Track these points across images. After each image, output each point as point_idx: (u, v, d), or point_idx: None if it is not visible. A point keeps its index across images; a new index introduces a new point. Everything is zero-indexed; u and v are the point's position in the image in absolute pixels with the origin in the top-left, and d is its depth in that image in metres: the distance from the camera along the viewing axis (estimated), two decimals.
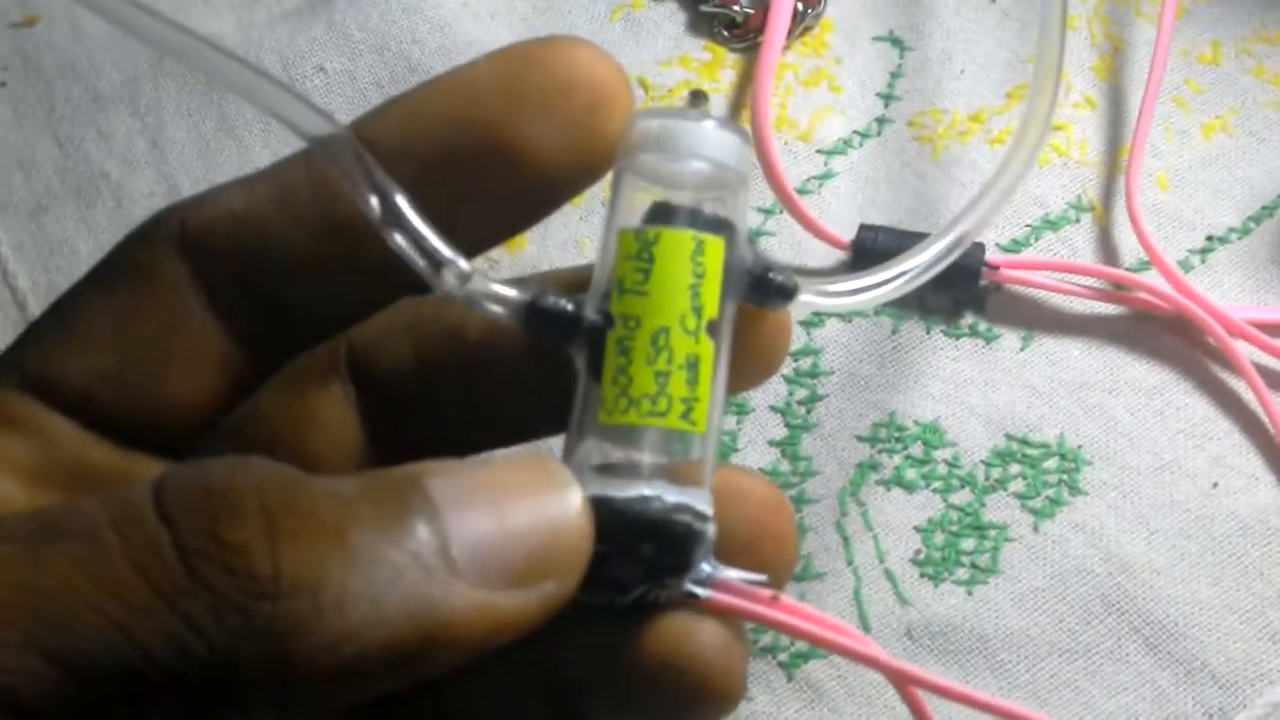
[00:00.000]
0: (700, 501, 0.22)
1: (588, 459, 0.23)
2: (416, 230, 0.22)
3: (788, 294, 0.24)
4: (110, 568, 0.18)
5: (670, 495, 0.22)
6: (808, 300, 0.25)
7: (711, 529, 0.23)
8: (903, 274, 0.26)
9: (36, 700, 0.17)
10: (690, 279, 0.22)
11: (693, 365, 0.22)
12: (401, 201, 0.22)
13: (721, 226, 0.23)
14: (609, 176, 0.24)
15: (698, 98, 0.24)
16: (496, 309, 0.23)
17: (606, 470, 0.23)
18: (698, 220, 0.23)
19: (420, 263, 0.22)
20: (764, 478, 0.25)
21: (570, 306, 0.23)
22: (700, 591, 0.22)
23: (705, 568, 0.22)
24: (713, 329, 0.23)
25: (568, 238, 0.44)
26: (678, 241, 0.22)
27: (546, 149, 0.23)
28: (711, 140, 0.23)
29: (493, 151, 0.23)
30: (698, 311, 0.22)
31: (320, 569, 0.18)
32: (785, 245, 0.44)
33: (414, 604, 0.19)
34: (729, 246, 0.23)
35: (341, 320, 0.25)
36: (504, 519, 0.20)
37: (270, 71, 0.47)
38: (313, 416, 0.24)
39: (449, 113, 0.23)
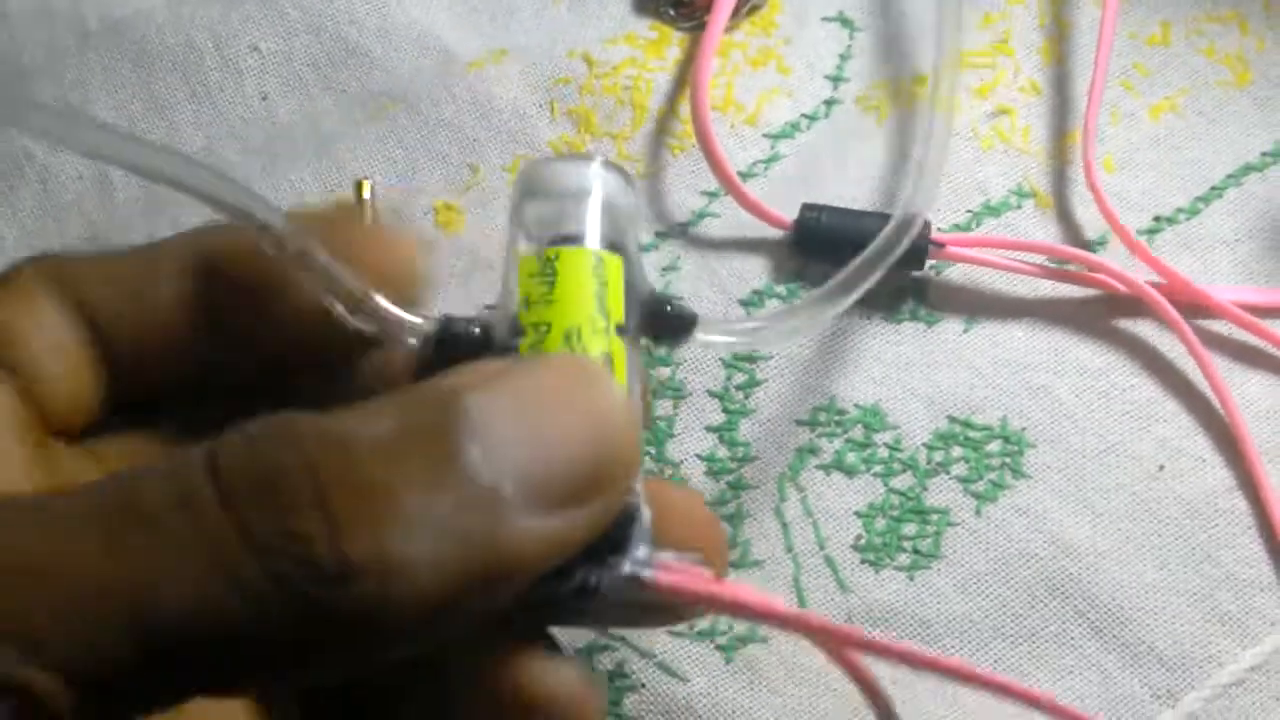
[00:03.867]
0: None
1: None
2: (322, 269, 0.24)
3: (685, 326, 0.25)
4: (184, 554, 0.18)
5: None
6: (707, 340, 0.26)
7: (646, 510, 0.22)
8: (813, 311, 0.28)
9: (121, 681, 0.18)
10: (594, 286, 0.23)
11: (607, 361, 0.23)
12: (312, 244, 0.24)
13: (617, 249, 0.24)
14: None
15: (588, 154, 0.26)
16: (410, 339, 0.24)
17: None
18: (573, 240, 0.24)
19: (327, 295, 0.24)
20: (698, 495, 0.26)
21: (477, 330, 0.24)
22: (644, 573, 0.22)
23: (643, 549, 0.22)
24: (622, 332, 0.23)
25: (505, 221, 0.43)
26: (579, 255, 0.24)
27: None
28: (596, 178, 0.25)
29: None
30: (605, 314, 0.23)
31: (382, 547, 0.19)
32: (729, 227, 0.43)
33: (475, 551, 0.19)
34: (627, 267, 0.24)
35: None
36: (550, 435, 0.20)
37: (202, 50, 0.46)
38: None
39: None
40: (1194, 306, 0.41)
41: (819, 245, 0.41)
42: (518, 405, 0.20)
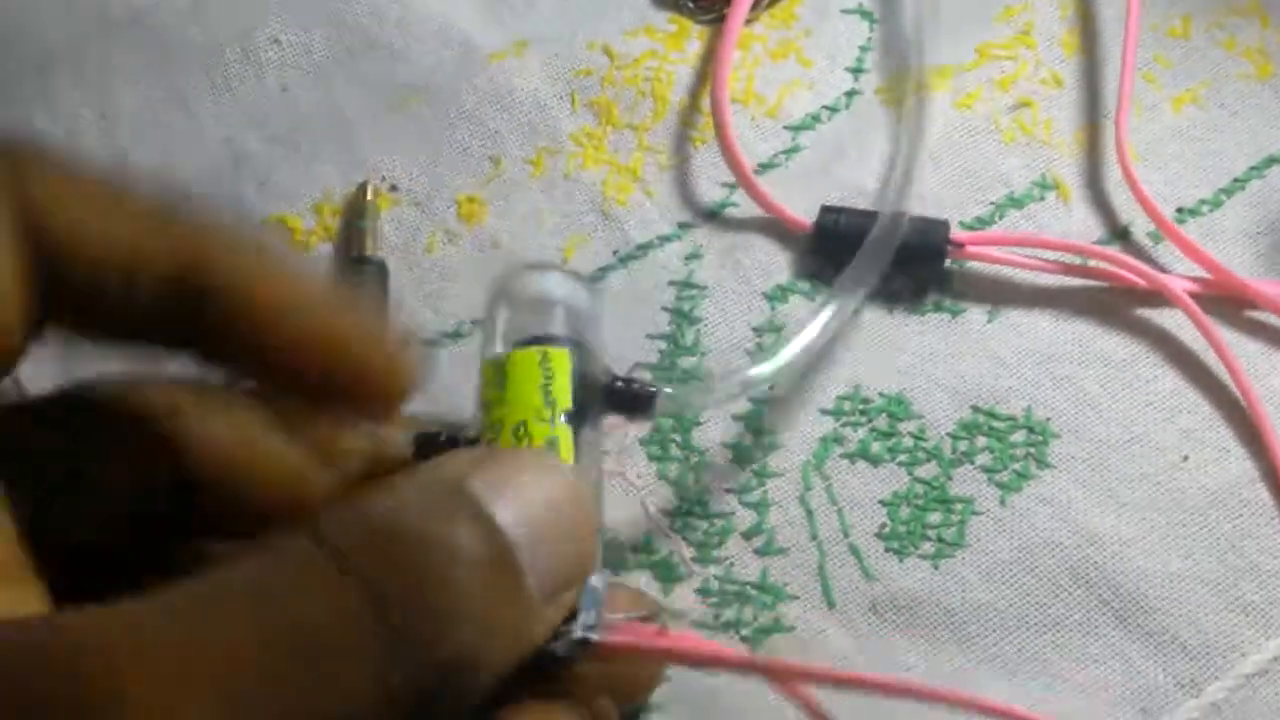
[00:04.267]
0: None
1: None
2: None
3: (644, 403, 0.29)
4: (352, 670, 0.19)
5: None
6: (672, 405, 0.29)
7: (594, 578, 0.25)
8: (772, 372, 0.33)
9: None
10: (541, 380, 0.26)
11: (553, 444, 0.26)
12: None
13: (570, 344, 0.27)
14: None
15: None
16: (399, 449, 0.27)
17: None
18: (544, 341, 0.27)
19: None
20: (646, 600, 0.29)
21: (445, 438, 0.27)
22: (593, 636, 0.25)
23: (591, 614, 0.25)
24: (571, 418, 0.26)
25: (527, 211, 0.44)
26: (525, 356, 0.27)
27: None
28: (558, 286, 0.28)
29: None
30: (552, 405, 0.26)
31: (467, 646, 0.21)
32: (753, 218, 0.43)
33: (525, 646, 0.22)
34: (579, 358, 0.27)
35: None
36: (565, 536, 0.23)
37: (223, 42, 0.46)
38: None
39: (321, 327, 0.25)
40: (1221, 299, 0.41)
41: (839, 248, 0.42)
42: (544, 517, 0.23)
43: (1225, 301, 0.41)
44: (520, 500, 0.22)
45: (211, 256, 0.24)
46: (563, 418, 0.26)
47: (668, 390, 0.30)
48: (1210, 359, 0.40)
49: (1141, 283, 0.41)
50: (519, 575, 0.22)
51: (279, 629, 0.19)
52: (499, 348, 0.28)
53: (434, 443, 0.27)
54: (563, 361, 0.27)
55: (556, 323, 0.28)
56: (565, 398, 0.27)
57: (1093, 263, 0.42)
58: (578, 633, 0.24)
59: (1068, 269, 0.41)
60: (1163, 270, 0.42)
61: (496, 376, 0.27)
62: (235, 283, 0.24)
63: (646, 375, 0.29)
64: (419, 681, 0.20)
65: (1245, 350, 0.40)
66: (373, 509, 0.21)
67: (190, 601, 0.19)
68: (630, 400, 0.29)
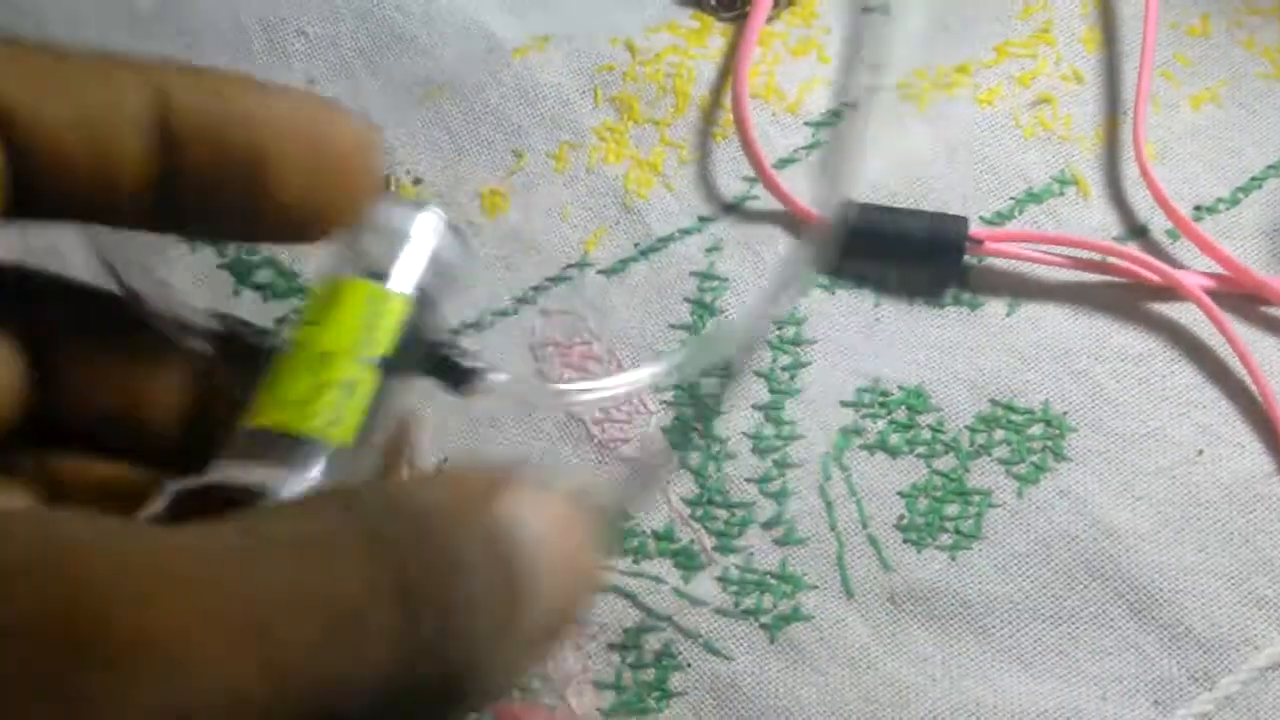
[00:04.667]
0: None
1: (223, 467, 0.23)
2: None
3: (461, 378, 0.26)
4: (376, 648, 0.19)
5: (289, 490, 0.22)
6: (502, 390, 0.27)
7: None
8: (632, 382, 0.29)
9: (262, 710, 0.18)
10: (365, 318, 0.24)
11: (350, 388, 0.24)
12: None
13: (416, 291, 0.25)
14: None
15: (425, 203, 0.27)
16: (196, 343, 0.25)
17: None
18: (388, 279, 0.25)
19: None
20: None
21: (255, 339, 0.25)
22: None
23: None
24: (384, 365, 0.24)
25: (551, 203, 0.44)
26: (360, 287, 0.25)
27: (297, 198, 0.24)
28: (429, 230, 0.26)
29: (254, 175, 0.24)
30: (369, 345, 0.24)
31: (468, 665, 0.20)
32: (769, 219, 0.44)
33: (506, 676, 0.21)
34: (419, 310, 0.25)
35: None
36: (568, 585, 0.22)
37: (250, 33, 0.47)
38: None
39: (243, 117, 0.24)
40: (1237, 295, 0.41)
41: (858, 246, 0.42)
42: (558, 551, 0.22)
43: (1241, 298, 0.41)
44: (542, 538, 0.21)
45: (180, 95, 0.23)
46: (375, 361, 0.24)
47: (501, 377, 0.27)
48: (1226, 355, 0.41)
49: (1158, 279, 0.41)
50: (523, 608, 0.21)
51: (315, 590, 0.18)
52: (345, 270, 0.25)
53: (235, 329, 0.25)
54: (397, 308, 0.25)
55: (412, 265, 0.26)
56: (386, 343, 0.24)
57: (1111, 259, 0.42)
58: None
59: (1086, 265, 0.42)
60: (1180, 267, 0.42)
61: (325, 298, 0.25)
62: (208, 114, 0.23)
63: (477, 352, 0.27)
64: (425, 678, 0.19)
65: (1261, 346, 0.41)
66: (406, 500, 0.21)
67: (227, 546, 0.18)
68: (449, 370, 0.26)
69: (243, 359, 0.24)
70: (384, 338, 0.24)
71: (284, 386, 0.23)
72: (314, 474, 0.23)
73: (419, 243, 0.26)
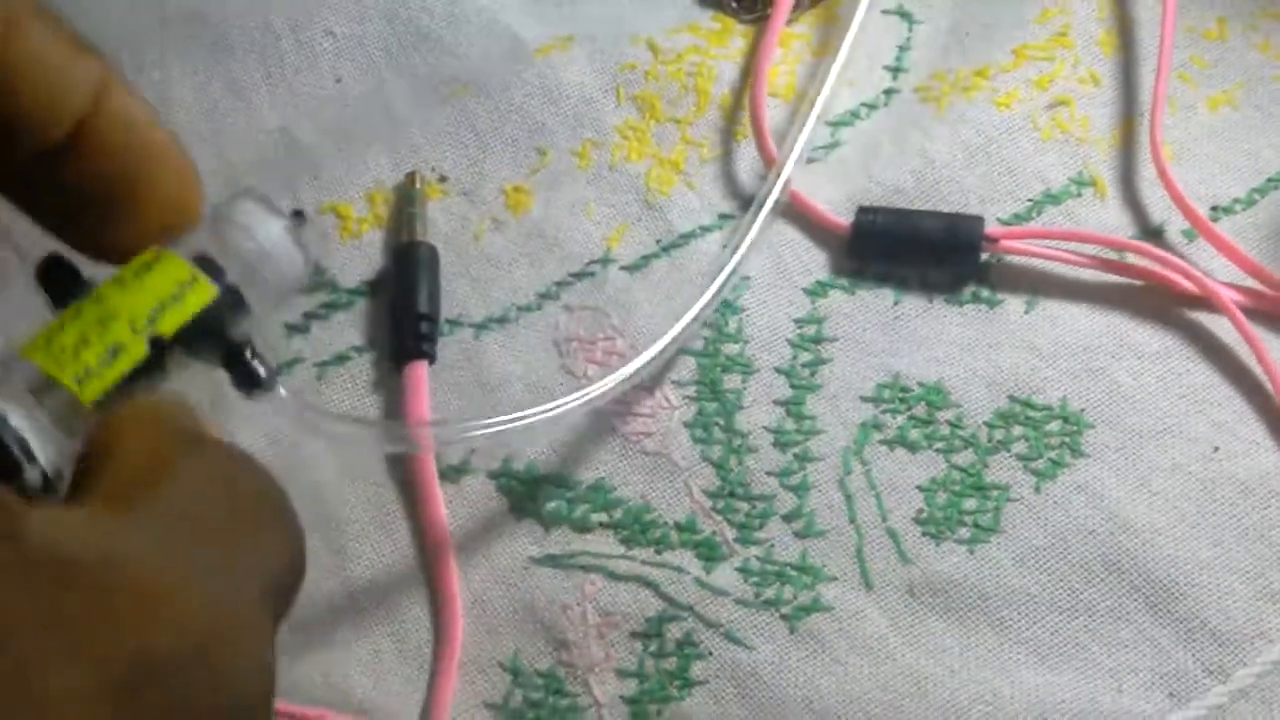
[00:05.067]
0: (45, 440, 0.23)
1: None
2: None
3: (248, 381, 0.26)
4: None
5: (15, 419, 0.23)
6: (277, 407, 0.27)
7: (33, 471, 0.23)
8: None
9: None
10: (165, 296, 0.25)
11: (115, 352, 0.24)
12: None
13: (231, 289, 0.26)
14: None
15: (299, 214, 0.27)
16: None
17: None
18: (209, 268, 0.25)
19: None
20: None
21: (72, 279, 0.25)
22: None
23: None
24: (159, 346, 0.25)
25: (575, 200, 0.45)
26: (175, 265, 0.25)
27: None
28: (270, 232, 0.26)
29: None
30: (152, 321, 0.25)
31: None
32: (794, 213, 0.44)
33: None
34: (225, 306, 0.26)
35: None
36: None
37: (279, 33, 0.48)
38: None
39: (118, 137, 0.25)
40: (1255, 295, 0.42)
41: (876, 248, 0.43)
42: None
43: (1259, 297, 0.42)
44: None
45: (113, 100, 0.25)
46: (148, 338, 0.24)
47: (282, 392, 0.27)
48: (1243, 354, 0.41)
49: (1176, 278, 0.42)
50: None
51: None
52: (177, 249, 0.26)
53: (62, 274, 0.26)
54: (201, 295, 0.25)
55: (238, 259, 0.26)
56: (172, 324, 0.25)
57: (1129, 258, 0.42)
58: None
59: (1104, 264, 0.42)
60: (1196, 267, 0.42)
61: (145, 263, 0.25)
62: (118, 129, 0.25)
63: (272, 368, 0.27)
64: None
65: (1277, 345, 0.41)
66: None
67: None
68: (238, 369, 0.26)
69: (57, 290, 0.25)
70: (171, 319, 0.25)
71: (61, 331, 0.24)
72: (44, 420, 0.23)
73: (255, 246, 0.26)
